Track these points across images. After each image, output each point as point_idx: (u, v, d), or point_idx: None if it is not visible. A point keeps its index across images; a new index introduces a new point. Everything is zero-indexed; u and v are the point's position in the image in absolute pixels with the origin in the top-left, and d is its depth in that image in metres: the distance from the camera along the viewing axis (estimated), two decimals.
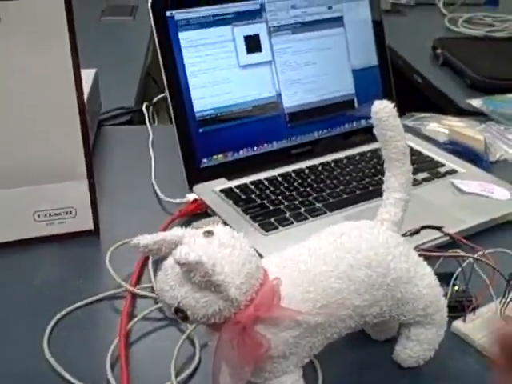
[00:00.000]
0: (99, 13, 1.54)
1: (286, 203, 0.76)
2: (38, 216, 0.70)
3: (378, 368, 0.56)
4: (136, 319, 0.60)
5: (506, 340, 0.39)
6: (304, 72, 0.87)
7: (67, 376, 0.54)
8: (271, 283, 0.44)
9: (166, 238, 0.44)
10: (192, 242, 0.43)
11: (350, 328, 0.48)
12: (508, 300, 0.58)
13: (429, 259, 0.53)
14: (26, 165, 0.68)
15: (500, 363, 0.38)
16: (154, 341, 0.59)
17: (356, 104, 0.91)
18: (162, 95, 1.12)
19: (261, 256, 0.48)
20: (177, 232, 0.44)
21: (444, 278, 0.57)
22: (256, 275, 0.44)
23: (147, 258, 0.68)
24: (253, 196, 0.78)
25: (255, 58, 0.83)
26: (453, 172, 0.85)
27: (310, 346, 0.46)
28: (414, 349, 0.53)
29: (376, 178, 0.82)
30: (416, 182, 0.80)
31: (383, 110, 0.51)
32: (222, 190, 0.79)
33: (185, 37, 0.79)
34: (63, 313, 0.61)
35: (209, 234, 0.44)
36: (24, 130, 0.67)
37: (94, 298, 0.63)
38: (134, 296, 0.63)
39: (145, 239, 0.44)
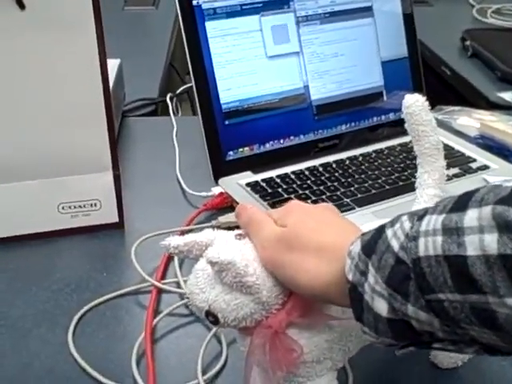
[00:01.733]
0: (122, 3, 1.53)
1: (313, 198, 0.75)
2: (63, 208, 0.69)
3: (412, 368, 0.54)
4: (162, 315, 0.59)
5: None
6: (332, 63, 0.85)
7: (92, 372, 0.53)
8: None
9: (196, 240, 0.43)
10: (224, 243, 0.42)
11: None
12: None
13: None
14: (50, 156, 0.67)
15: None
16: (180, 337, 0.58)
17: (385, 96, 0.89)
18: (185, 86, 1.11)
19: None
20: (208, 234, 0.43)
21: None
22: None
23: None
24: (279, 190, 0.76)
25: (283, 48, 0.82)
26: (485, 168, 0.82)
27: (345, 350, 0.44)
28: None
29: (405, 173, 0.80)
30: (447, 178, 0.77)
31: (414, 104, 0.50)
32: (247, 184, 0.77)
33: (212, 26, 0.77)
34: (87, 307, 0.60)
35: (241, 236, 0.43)
36: (49, 121, 0.66)
37: (118, 293, 0.62)
38: (160, 291, 0.62)
39: (175, 240, 0.43)
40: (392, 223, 0.37)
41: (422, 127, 0.50)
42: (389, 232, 0.36)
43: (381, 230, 0.37)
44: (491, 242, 0.30)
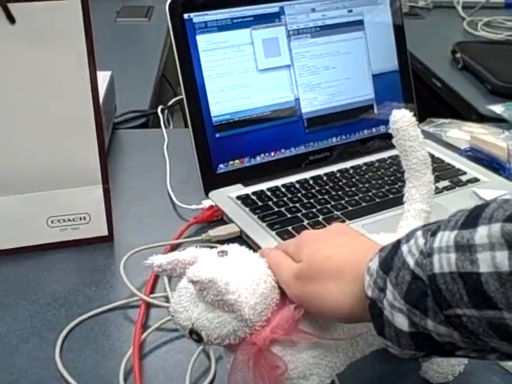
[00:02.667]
0: (114, 14, 1.53)
1: (303, 211, 0.75)
2: (52, 222, 0.69)
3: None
4: (150, 330, 0.59)
5: None
6: (323, 76, 0.85)
7: None
8: (290, 307, 0.42)
9: (180, 258, 0.43)
10: (206, 261, 0.42)
11: (373, 346, 0.46)
12: None
13: None
14: (39, 170, 0.67)
15: None
16: (169, 352, 0.57)
17: (375, 109, 0.89)
18: (177, 98, 1.11)
19: None
20: (191, 252, 0.43)
21: None
22: (271, 295, 0.42)
23: None
24: (270, 203, 0.76)
25: (274, 61, 0.82)
26: (475, 180, 0.83)
27: (331, 366, 0.44)
28: (442, 364, 0.51)
29: (396, 186, 0.80)
30: (437, 191, 0.78)
31: (401, 119, 0.50)
32: (238, 197, 0.77)
33: (203, 40, 0.77)
34: (75, 322, 0.59)
35: (223, 253, 0.43)
36: (38, 134, 0.65)
37: (106, 307, 0.61)
38: (149, 305, 0.62)
39: (159, 259, 0.43)
40: (407, 239, 0.37)
41: (409, 142, 0.50)
42: (404, 248, 0.37)
43: (397, 246, 0.38)
44: (503, 259, 0.31)
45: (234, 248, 0.45)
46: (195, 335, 0.42)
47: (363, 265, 0.39)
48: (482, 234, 0.32)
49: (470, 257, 0.32)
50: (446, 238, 0.34)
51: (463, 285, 0.32)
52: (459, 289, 0.32)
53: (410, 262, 0.36)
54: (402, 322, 0.36)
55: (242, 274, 0.42)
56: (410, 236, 0.37)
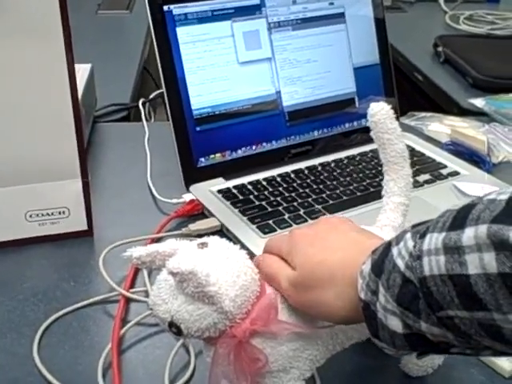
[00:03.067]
0: (95, 6, 1.52)
1: (284, 204, 0.75)
2: (30, 216, 0.68)
3: (382, 378, 0.54)
4: (129, 325, 0.58)
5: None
6: (304, 69, 0.85)
7: None
8: (269, 298, 0.42)
9: (159, 250, 0.42)
10: (186, 253, 0.41)
11: (353, 339, 0.46)
12: None
13: None
14: (18, 163, 0.66)
15: None
16: (148, 347, 0.57)
17: (357, 103, 0.89)
18: (158, 91, 1.11)
19: None
20: (171, 244, 0.43)
21: None
22: (251, 287, 0.42)
23: None
24: (251, 197, 0.76)
25: (254, 54, 0.81)
26: (455, 174, 0.83)
27: (312, 359, 0.44)
28: None
29: (377, 180, 0.80)
30: (417, 184, 0.78)
31: (380, 112, 0.50)
32: (219, 191, 0.77)
33: (183, 32, 0.76)
34: (54, 317, 0.59)
35: (203, 245, 0.43)
36: (16, 128, 0.64)
37: (85, 302, 0.61)
38: (128, 300, 0.61)
39: (138, 251, 0.42)
40: (397, 241, 0.38)
41: (387, 135, 0.50)
42: (394, 251, 0.37)
43: (387, 249, 0.38)
44: (490, 260, 0.31)
45: (214, 240, 0.44)
46: (175, 328, 0.41)
47: (355, 266, 0.39)
48: (469, 235, 0.32)
49: (459, 259, 0.32)
50: (434, 240, 0.34)
51: (453, 287, 0.32)
52: (449, 291, 0.33)
53: (401, 264, 0.36)
54: (395, 324, 0.37)
55: (222, 266, 0.41)
56: (399, 238, 0.37)
